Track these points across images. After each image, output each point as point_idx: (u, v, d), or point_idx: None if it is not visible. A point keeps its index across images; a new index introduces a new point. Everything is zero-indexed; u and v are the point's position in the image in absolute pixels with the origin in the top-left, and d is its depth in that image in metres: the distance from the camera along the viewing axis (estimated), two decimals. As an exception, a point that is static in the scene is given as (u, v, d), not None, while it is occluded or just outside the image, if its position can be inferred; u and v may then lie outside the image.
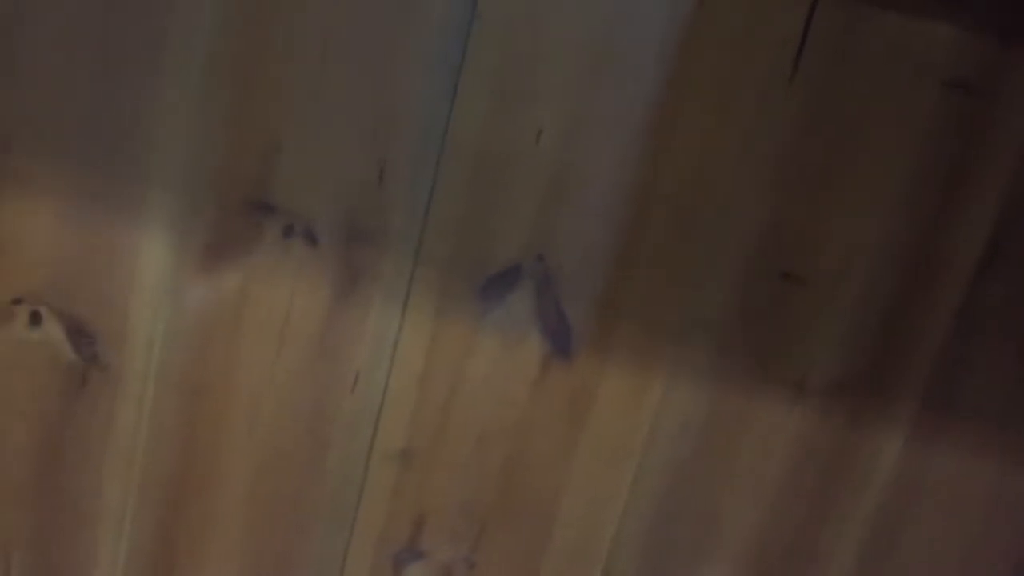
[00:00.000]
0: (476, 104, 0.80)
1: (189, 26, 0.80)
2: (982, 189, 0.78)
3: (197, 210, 0.84)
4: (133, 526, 0.93)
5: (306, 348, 0.87)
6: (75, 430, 0.91)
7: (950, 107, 0.76)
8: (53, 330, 0.88)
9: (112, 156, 0.83)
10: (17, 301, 0.88)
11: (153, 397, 0.89)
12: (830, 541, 0.87)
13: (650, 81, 0.78)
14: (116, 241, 0.85)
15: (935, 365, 0.82)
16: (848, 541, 0.87)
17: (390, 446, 0.89)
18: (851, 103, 0.77)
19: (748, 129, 0.78)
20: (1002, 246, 0.79)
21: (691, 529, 0.88)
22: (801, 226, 0.79)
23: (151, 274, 0.86)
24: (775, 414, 0.84)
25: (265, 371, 0.88)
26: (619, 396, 0.85)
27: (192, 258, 0.85)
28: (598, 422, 0.86)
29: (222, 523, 0.92)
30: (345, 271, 0.85)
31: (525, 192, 0.81)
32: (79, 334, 0.88)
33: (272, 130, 0.82)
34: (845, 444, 0.85)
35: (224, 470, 0.91)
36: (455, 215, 0.83)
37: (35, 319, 0.88)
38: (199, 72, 0.80)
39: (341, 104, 0.80)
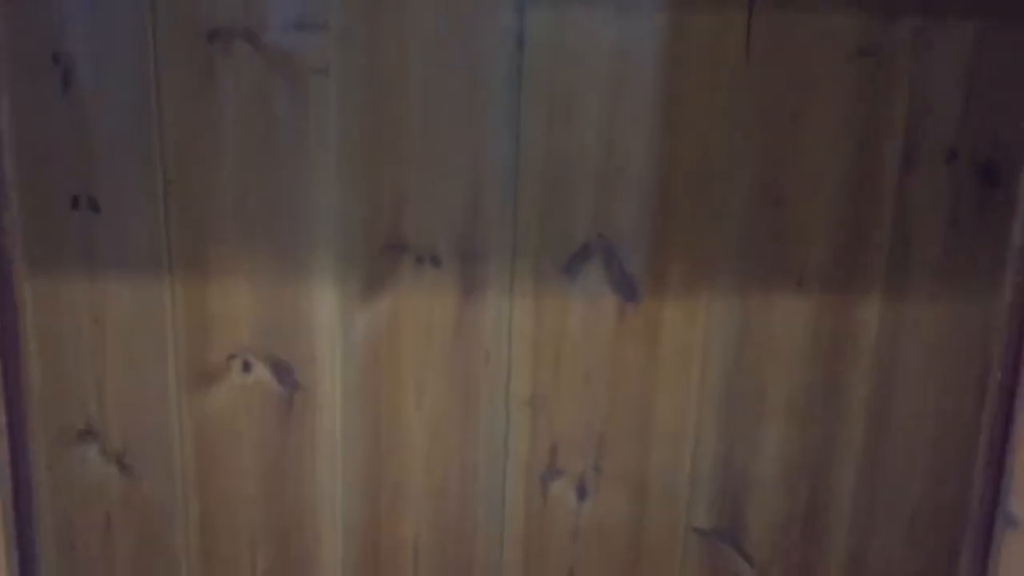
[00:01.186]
0: (534, 135, 1.10)
1: (322, 122, 1.09)
2: (894, 118, 1.10)
3: (351, 258, 1.14)
4: (344, 500, 1.21)
5: (448, 341, 1.17)
6: (290, 444, 1.19)
7: (861, 69, 1.08)
8: (261, 371, 1.17)
9: (282, 232, 1.12)
10: (232, 356, 1.16)
11: (343, 403, 1.18)
12: (847, 391, 1.18)
13: (653, 94, 1.09)
14: (296, 293, 1.14)
15: (889, 249, 1.14)
16: (857, 389, 1.19)
17: (522, 395, 1.19)
18: (791, 73, 1.09)
19: (725, 107, 1.10)
20: (913, 155, 1.11)
21: (748, 402, 1.19)
22: (777, 167, 1.11)
23: (326, 312, 1.15)
24: (787, 306, 1.15)
25: (422, 364, 1.18)
26: (678, 321, 1.16)
27: (353, 294, 1.15)
28: (667, 344, 1.17)
29: (411, 480, 1.21)
30: (464, 279, 1.15)
31: (583, 190, 1.12)
32: (281, 369, 1.17)
33: (396, 189, 1.11)
34: (840, 319, 1.17)
35: (405, 442, 1.20)
36: (535, 219, 1.13)
37: (246, 367, 1.17)
38: (336, 156, 1.10)
39: (442, 158, 1.11)
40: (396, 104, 1.09)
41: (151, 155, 1.10)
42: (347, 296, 1.15)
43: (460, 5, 1.07)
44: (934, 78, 1.09)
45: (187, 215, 1.12)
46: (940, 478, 1.16)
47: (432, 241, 1.14)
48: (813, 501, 1.22)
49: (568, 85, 1.09)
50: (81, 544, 1.24)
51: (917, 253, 1.14)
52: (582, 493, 1.22)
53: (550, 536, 1.24)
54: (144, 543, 1.24)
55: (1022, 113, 1.05)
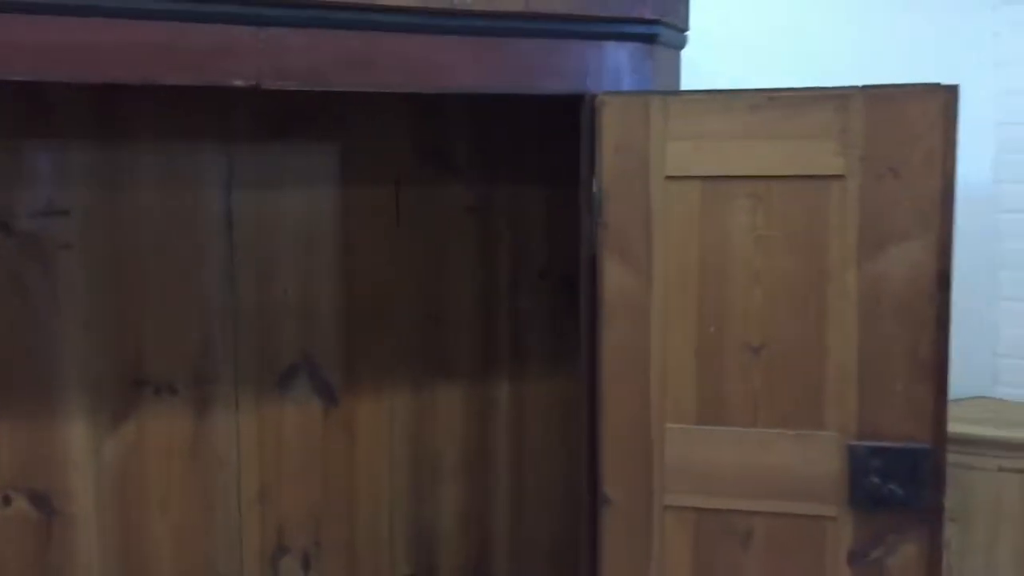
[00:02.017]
0: (247, 286, 1.43)
1: (70, 287, 1.34)
2: (502, 252, 1.56)
3: (99, 395, 1.37)
4: (104, 609, 1.40)
5: (188, 456, 1.43)
6: (50, 567, 1.37)
7: (475, 221, 1.54)
8: (20, 503, 1.35)
9: (38, 381, 1.34)
10: (-7, 494, 1.33)
11: (97, 523, 1.39)
12: (494, 453, 1.60)
13: (334, 249, 1.47)
14: (51, 430, 1.35)
15: (511, 344, 1.59)
16: (501, 450, 1.60)
17: (251, 491, 1.46)
18: (428, 228, 1.52)
19: (388, 256, 1.50)
20: (518, 277, 1.58)
21: (428, 471, 1.56)
22: (431, 294, 1.52)
23: (78, 443, 1.37)
24: (447, 394, 1.55)
25: (165, 479, 1.42)
26: (369, 415, 1.52)
27: (102, 425, 1.38)
28: (362, 434, 1.52)
29: (164, 581, 1.43)
30: (197, 402, 1.43)
31: (288, 323, 1.46)
32: (39, 500, 1.35)
33: (137, 335, 1.38)
34: (483, 400, 1.59)
35: (153, 550, 1.42)
36: (252, 348, 1.44)
37: (7, 501, 1.34)
38: (83, 313, 1.35)
39: (174, 309, 1.39)
40: (132, 268, 1.37)
41: (-90, 327, 1.28)
42: (96, 427, 1.37)
43: (180, 189, 1.39)
44: (525, 222, 1.57)
45: (-52, 375, 1.30)
46: (568, 504, 1.60)
47: (169, 374, 1.41)
48: (480, 542, 1.60)
49: (270, 247, 1.44)
50: None
51: (532, 345, 1.60)
52: (306, 565, 1.51)
53: (284, 606, 1.50)
54: None
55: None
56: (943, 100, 1.14)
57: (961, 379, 1.77)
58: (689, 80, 1.44)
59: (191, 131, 1.39)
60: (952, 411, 1.24)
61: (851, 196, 1.16)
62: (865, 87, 1.16)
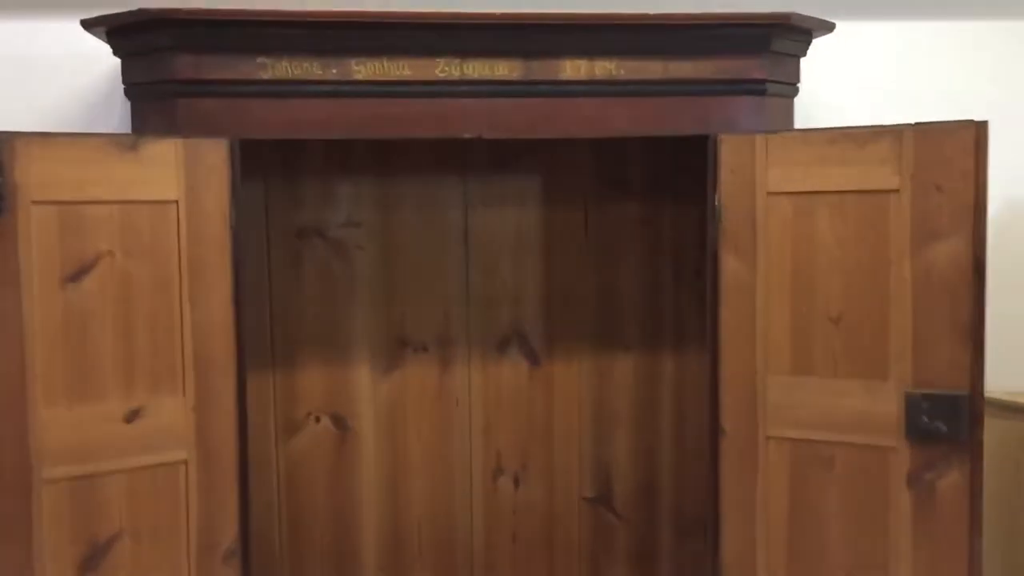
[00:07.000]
0: (476, 277, 1.96)
1: (359, 274, 1.92)
2: (667, 252, 2.00)
3: (377, 350, 1.94)
4: (376, 492, 1.96)
5: (434, 397, 1.97)
6: (343, 466, 1.95)
7: (645, 231, 1.99)
8: (326, 422, 1.94)
9: (339, 338, 1.93)
10: (309, 414, 1.93)
11: (375, 439, 1.95)
12: (661, 405, 2.02)
13: (539, 253, 1.97)
14: (347, 373, 1.94)
15: (674, 329, 2.02)
16: (666, 404, 2.03)
17: (478, 425, 1.98)
18: (607, 238, 1.99)
19: (576, 260, 1.98)
20: (679, 273, 2.01)
21: (607, 418, 2.01)
22: (608, 288, 1.98)
23: (364, 383, 1.94)
24: (619, 362, 2.00)
25: (419, 410, 1.97)
26: (562, 374, 2.00)
27: (380, 370, 1.95)
28: (558, 388, 2.00)
29: (416, 480, 1.97)
30: (441, 358, 1.97)
31: (504, 304, 1.98)
32: (338, 421, 1.94)
33: (402, 308, 1.94)
34: (647, 369, 2.02)
35: (412, 459, 1.97)
36: (479, 322, 1.97)
37: (317, 419, 1.93)
38: (368, 292, 1.93)
39: (428, 291, 1.95)
40: (401, 264, 1.94)
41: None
42: (375, 372, 1.95)
43: (432, 208, 1.94)
44: (683, 232, 2.00)
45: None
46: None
47: (422, 338, 1.96)
48: (648, 474, 2.03)
49: (494, 250, 1.96)
50: None
51: (689, 326, 2.01)
52: (516, 483, 2.01)
53: (499, 511, 2.01)
54: None
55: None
56: (975, 132, 1.47)
57: None
58: (818, 113, 1.85)
59: (439, 168, 1.94)
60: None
61: (904, 204, 1.51)
62: (916, 124, 1.50)
